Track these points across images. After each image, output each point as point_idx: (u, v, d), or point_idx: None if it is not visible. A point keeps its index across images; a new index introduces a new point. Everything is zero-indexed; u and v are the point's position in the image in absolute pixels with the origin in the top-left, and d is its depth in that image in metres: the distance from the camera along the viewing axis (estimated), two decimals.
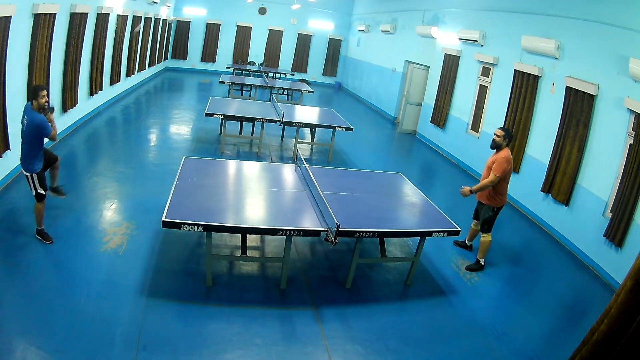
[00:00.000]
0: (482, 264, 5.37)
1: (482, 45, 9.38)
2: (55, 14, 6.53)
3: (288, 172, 5.70)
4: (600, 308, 3.14)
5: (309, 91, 12.94)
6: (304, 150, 9.43)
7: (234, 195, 4.80)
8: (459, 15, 10.54)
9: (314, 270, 4.95)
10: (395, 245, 5.62)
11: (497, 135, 5.08)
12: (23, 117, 4.46)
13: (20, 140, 4.54)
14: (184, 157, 5.55)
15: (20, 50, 5.83)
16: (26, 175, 4.55)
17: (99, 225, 5.21)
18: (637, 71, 5.35)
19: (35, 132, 4.40)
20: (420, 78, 12.52)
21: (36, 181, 4.54)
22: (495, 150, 5.15)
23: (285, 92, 14.17)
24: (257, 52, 19.31)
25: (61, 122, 7.78)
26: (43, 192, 4.62)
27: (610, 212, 5.77)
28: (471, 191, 5.16)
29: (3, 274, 4.05)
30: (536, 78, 7.48)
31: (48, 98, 4.57)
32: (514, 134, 7.81)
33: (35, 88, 4.51)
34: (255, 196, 4.83)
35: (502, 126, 5.26)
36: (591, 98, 6.21)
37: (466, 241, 5.84)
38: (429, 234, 4.53)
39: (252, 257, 4.96)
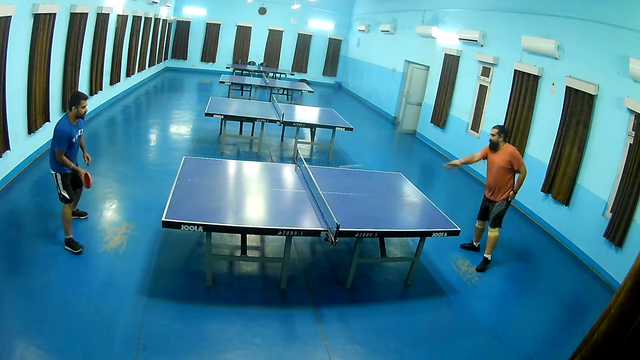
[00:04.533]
0: (490, 259, 5.38)
1: (482, 45, 9.38)
2: (55, 14, 6.53)
3: (288, 172, 5.70)
4: (600, 308, 3.13)
5: (309, 91, 12.94)
6: (304, 150, 9.43)
7: (234, 195, 4.80)
8: (459, 15, 10.54)
9: (314, 270, 4.95)
10: (395, 245, 5.62)
11: (492, 134, 5.22)
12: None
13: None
14: (184, 157, 5.55)
15: (20, 50, 5.82)
16: (52, 174, 4.48)
17: (99, 225, 5.21)
18: (637, 71, 5.35)
19: (53, 139, 4.37)
20: (420, 78, 12.52)
21: (59, 181, 4.44)
22: (494, 149, 5.27)
23: (285, 92, 14.17)
24: (257, 52, 19.30)
25: None
26: (67, 195, 4.48)
27: (610, 212, 5.77)
28: (515, 192, 5.25)
29: (3, 274, 4.05)
30: (536, 78, 7.48)
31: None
32: (514, 134, 7.81)
33: (77, 95, 4.47)
34: (255, 196, 4.83)
35: (496, 124, 5.51)
36: (591, 98, 6.21)
37: (473, 242, 5.82)
38: (429, 234, 4.53)
39: (252, 257, 4.96)
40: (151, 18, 13.74)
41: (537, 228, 7.09)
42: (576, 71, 6.59)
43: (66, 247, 4.55)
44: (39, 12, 5.97)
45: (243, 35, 18.97)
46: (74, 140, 4.48)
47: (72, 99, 4.49)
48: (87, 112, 4.59)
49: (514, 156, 5.15)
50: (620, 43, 5.82)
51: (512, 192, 5.24)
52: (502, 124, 5.43)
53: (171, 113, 11.31)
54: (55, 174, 4.45)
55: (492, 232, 5.31)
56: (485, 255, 5.40)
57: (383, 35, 15.62)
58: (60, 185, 4.45)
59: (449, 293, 4.87)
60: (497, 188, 5.26)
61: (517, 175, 5.28)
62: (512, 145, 5.32)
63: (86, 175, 4.56)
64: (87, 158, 4.95)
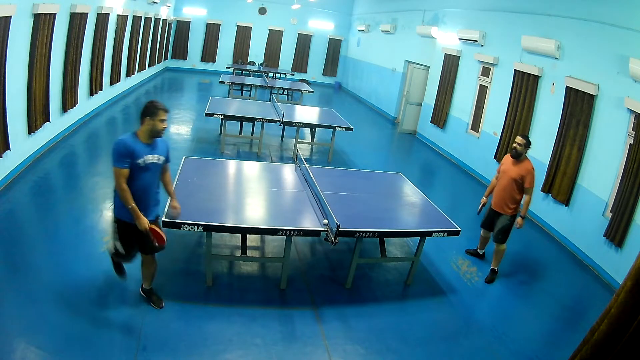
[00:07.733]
0: (497, 270, 5.27)
1: (482, 45, 9.38)
2: (55, 14, 6.53)
3: (288, 172, 5.70)
4: (600, 308, 3.13)
5: (309, 91, 12.94)
6: (304, 150, 9.43)
7: (234, 195, 4.80)
8: (459, 15, 10.54)
9: (314, 270, 4.95)
10: (395, 245, 5.62)
11: (519, 144, 4.89)
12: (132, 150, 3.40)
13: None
14: (184, 157, 5.54)
15: (20, 50, 5.82)
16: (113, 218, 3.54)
17: (99, 225, 5.20)
18: (637, 71, 5.35)
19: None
20: (420, 78, 12.52)
21: (115, 229, 3.50)
22: (515, 158, 4.96)
23: (285, 92, 14.17)
24: (257, 52, 19.30)
25: (61, 122, 7.79)
26: (121, 250, 3.53)
27: (610, 212, 5.77)
28: (523, 218, 5.06)
29: (3, 274, 4.05)
30: (536, 78, 7.48)
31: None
32: (514, 134, 7.82)
33: (155, 105, 3.34)
34: (255, 196, 4.83)
35: (523, 134, 4.95)
36: (591, 98, 6.21)
37: (478, 250, 5.70)
38: (429, 234, 4.53)
39: (252, 257, 4.96)
40: (151, 18, 13.74)
41: (537, 228, 7.09)
42: (576, 71, 6.59)
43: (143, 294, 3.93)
44: (39, 12, 5.97)
45: (243, 35, 18.97)
46: (140, 161, 3.38)
47: (148, 108, 3.35)
48: (165, 129, 3.41)
49: (530, 173, 4.87)
50: (620, 43, 5.82)
51: (520, 218, 5.04)
52: (528, 136, 5.08)
53: (171, 113, 11.16)
54: (115, 219, 3.46)
55: (500, 247, 5.14)
56: (492, 267, 5.25)
57: (383, 35, 15.63)
58: (116, 235, 3.49)
59: (449, 293, 4.87)
60: (502, 199, 5.05)
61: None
62: (531, 162, 4.98)
63: (153, 230, 3.32)
64: (175, 207, 3.75)
